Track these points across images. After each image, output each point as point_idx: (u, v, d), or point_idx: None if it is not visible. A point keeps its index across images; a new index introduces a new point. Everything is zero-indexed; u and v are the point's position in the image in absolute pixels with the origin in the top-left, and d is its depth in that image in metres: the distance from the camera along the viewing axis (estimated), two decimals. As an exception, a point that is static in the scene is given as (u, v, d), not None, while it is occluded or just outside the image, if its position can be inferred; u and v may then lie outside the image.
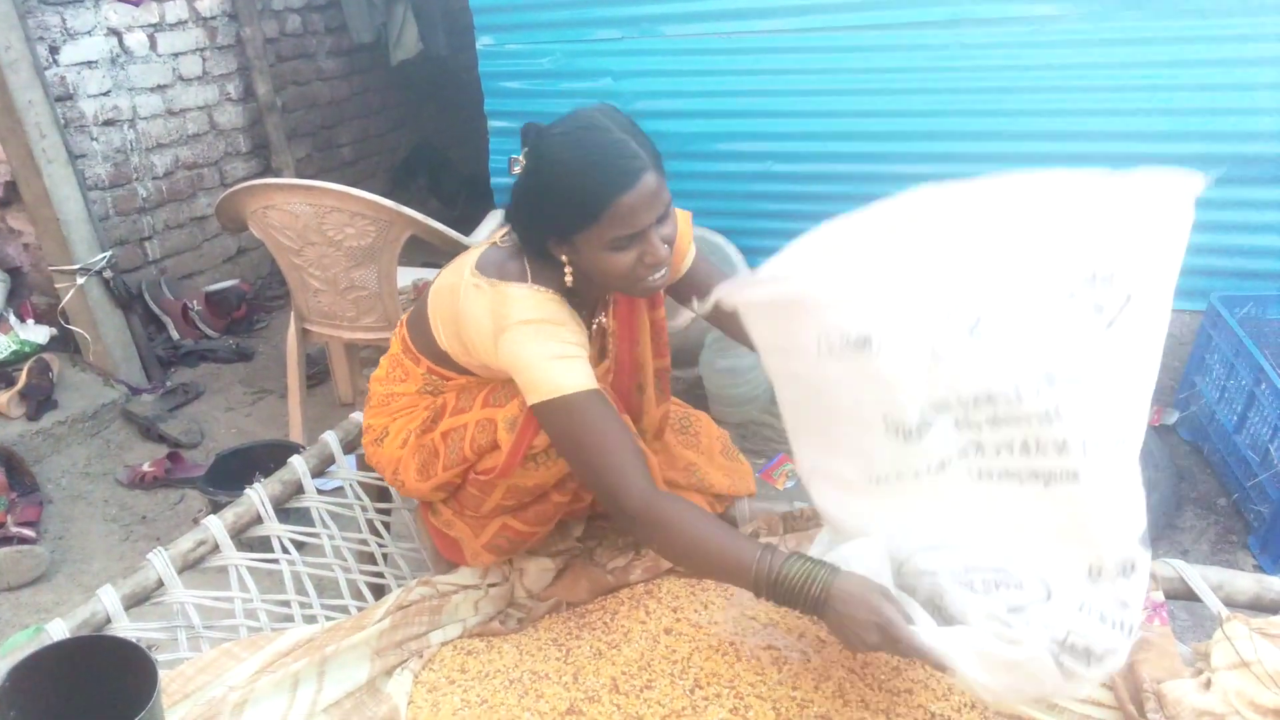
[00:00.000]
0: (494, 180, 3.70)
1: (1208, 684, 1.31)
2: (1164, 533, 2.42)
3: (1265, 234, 2.80)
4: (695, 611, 1.58)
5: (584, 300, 1.54)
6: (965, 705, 1.38)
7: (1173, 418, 2.81)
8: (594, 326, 1.59)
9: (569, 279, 1.46)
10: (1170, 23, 2.68)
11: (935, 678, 1.44)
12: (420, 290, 2.75)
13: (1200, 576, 1.48)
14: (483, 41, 3.50)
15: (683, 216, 1.63)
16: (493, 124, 3.65)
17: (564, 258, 1.45)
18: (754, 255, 3.44)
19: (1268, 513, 2.29)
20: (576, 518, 1.78)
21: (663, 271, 1.44)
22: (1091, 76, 2.81)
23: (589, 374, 1.42)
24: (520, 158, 1.44)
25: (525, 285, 1.44)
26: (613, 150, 1.34)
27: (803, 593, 1.24)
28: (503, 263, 1.47)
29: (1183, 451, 2.73)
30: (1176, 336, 3.00)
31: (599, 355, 1.63)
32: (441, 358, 1.58)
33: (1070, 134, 2.89)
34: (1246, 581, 1.48)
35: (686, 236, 1.66)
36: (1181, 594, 1.49)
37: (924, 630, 1.17)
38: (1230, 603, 1.46)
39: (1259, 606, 1.46)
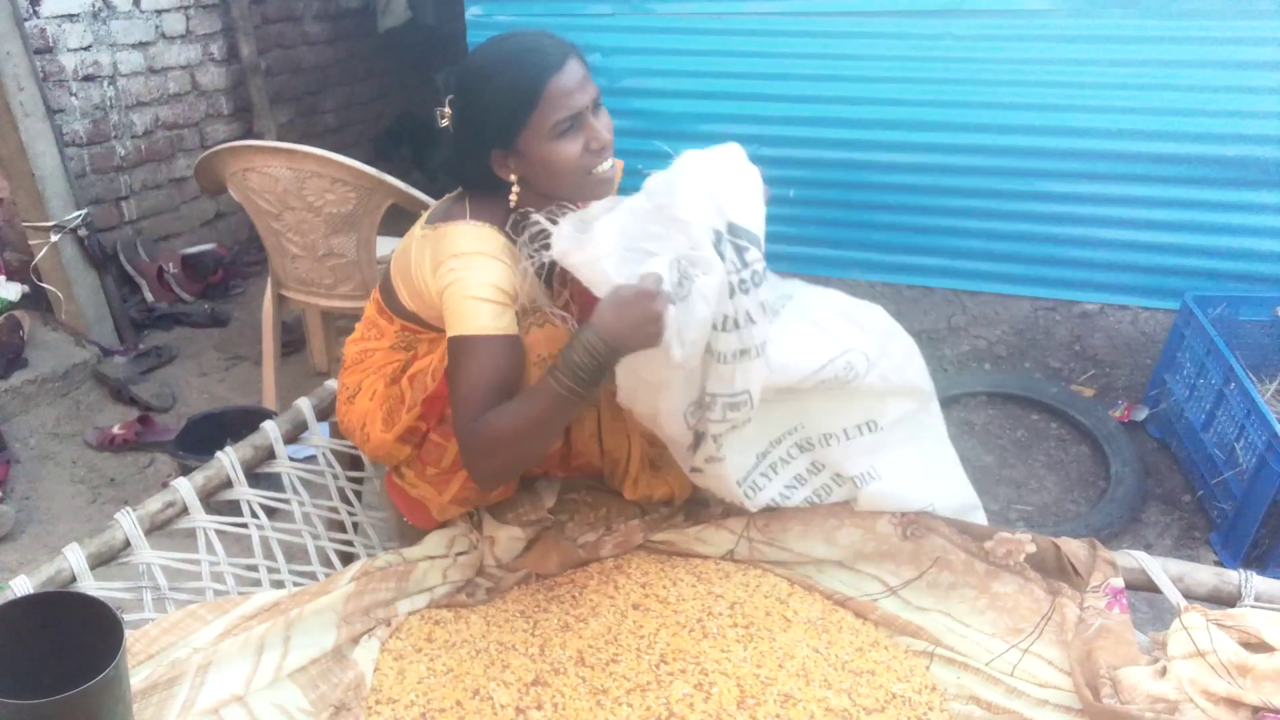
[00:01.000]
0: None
1: (1163, 671, 1.33)
2: (1129, 527, 2.46)
3: (1240, 236, 2.84)
4: (664, 588, 1.59)
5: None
6: (926, 687, 1.40)
7: (1142, 414, 2.84)
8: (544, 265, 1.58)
9: (514, 198, 1.49)
10: (1156, 22, 2.70)
11: (898, 659, 1.46)
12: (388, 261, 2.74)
13: (1161, 568, 1.50)
14: (472, 11, 3.47)
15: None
16: (479, 96, 3.62)
17: (512, 177, 1.48)
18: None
19: (1230, 510, 2.33)
20: (550, 462, 1.75)
21: (609, 162, 1.49)
22: (1077, 72, 2.83)
23: (502, 313, 1.43)
24: (446, 107, 1.48)
25: (464, 222, 1.48)
26: (534, 41, 1.42)
27: (585, 353, 1.30)
28: (447, 208, 1.54)
29: (1150, 448, 2.77)
30: (1150, 335, 3.04)
31: (555, 284, 1.62)
32: (411, 315, 1.61)
33: (1055, 129, 2.92)
34: (1205, 574, 1.50)
35: None
36: (1142, 585, 1.51)
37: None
38: (1189, 595, 1.49)
39: (1217, 599, 1.49)
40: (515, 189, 1.49)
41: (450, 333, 1.44)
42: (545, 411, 1.36)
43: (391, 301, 1.64)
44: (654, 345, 1.31)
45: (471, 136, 1.47)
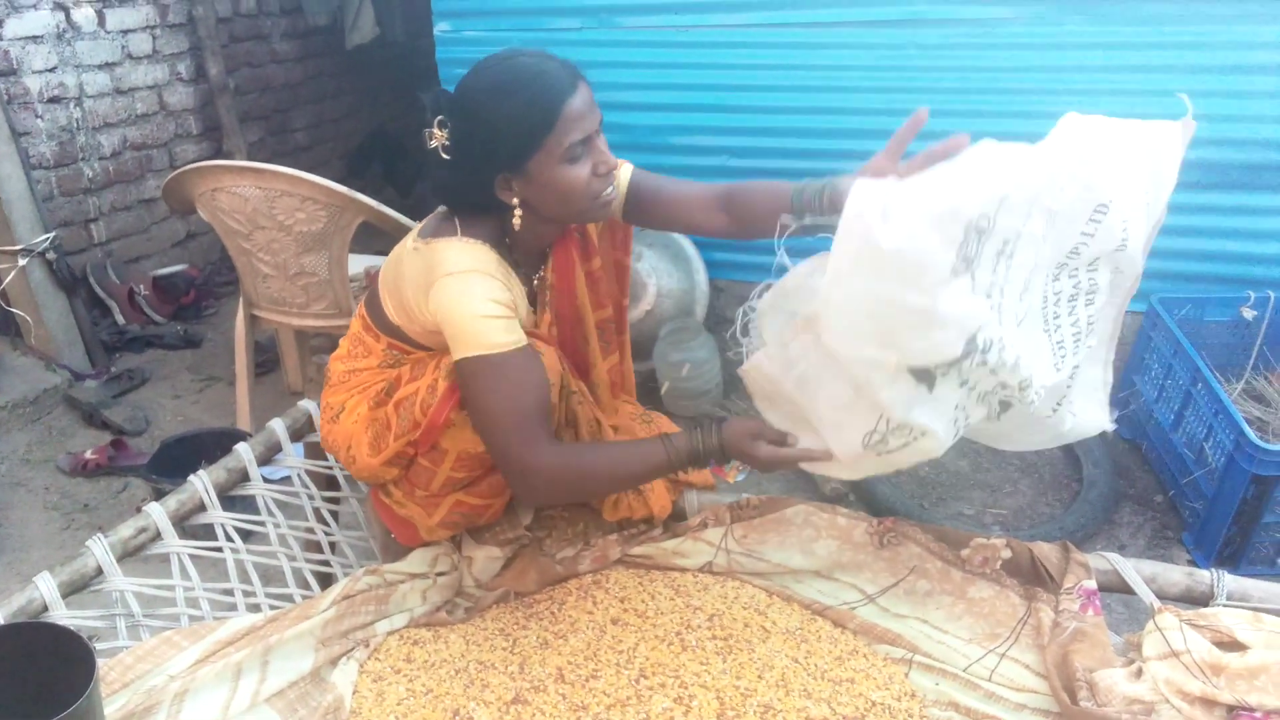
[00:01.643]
0: (450, 168, 3.67)
1: (1138, 673, 1.35)
2: (1102, 528, 2.48)
3: (1204, 238, 2.88)
4: (642, 602, 1.59)
5: (525, 252, 1.56)
6: (905, 694, 1.41)
7: (1112, 416, 2.87)
8: (535, 281, 1.59)
9: (517, 222, 1.47)
10: (1111, 28, 2.74)
11: (876, 667, 1.47)
12: (372, 278, 2.73)
13: (1134, 569, 1.52)
14: (440, 28, 3.47)
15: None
16: (450, 112, 3.62)
17: (514, 200, 1.45)
18: (709, 249, 3.46)
19: (1201, 509, 2.36)
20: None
21: (611, 187, 1.48)
22: (1040, 79, 2.87)
23: (512, 327, 1.42)
24: (435, 128, 1.41)
25: (455, 239, 1.46)
26: (541, 63, 1.38)
27: (704, 450, 1.44)
28: (437, 224, 1.50)
29: (1121, 449, 2.80)
30: (1118, 337, 3.07)
31: (540, 310, 1.63)
32: (396, 331, 1.59)
33: (1021, 136, 2.94)
34: (1178, 575, 1.52)
35: (623, 173, 1.71)
36: (1116, 586, 1.53)
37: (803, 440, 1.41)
38: (1162, 595, 1.51)
39: (1189, 599, 1.51)
40: (518, 213, 1.46)
41: (460, 355, 1.40)
42: (644, 472, 1.48)
43: (378, 318, 1.61)
44: (764, 469, 1.46)
45: (476, 160, 1.42)
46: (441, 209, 1.56)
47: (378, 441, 1.58)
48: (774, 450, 1.41)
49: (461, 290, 1.40)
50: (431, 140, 1.42)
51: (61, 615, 1.48)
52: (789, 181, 1.59)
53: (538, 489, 1.47)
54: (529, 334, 1.51)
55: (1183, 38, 2.69)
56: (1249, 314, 2.64)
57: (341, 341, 1.72)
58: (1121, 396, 2.87)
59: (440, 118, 1.41)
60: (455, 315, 1.41)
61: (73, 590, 1.54)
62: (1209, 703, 1.28)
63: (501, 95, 1.36)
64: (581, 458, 1.49)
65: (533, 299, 1.62)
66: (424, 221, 1.56)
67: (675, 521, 1.80)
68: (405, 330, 1.57)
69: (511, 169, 1.42)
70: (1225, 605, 1.46)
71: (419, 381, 1.53)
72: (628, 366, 1.85)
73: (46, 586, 1.49)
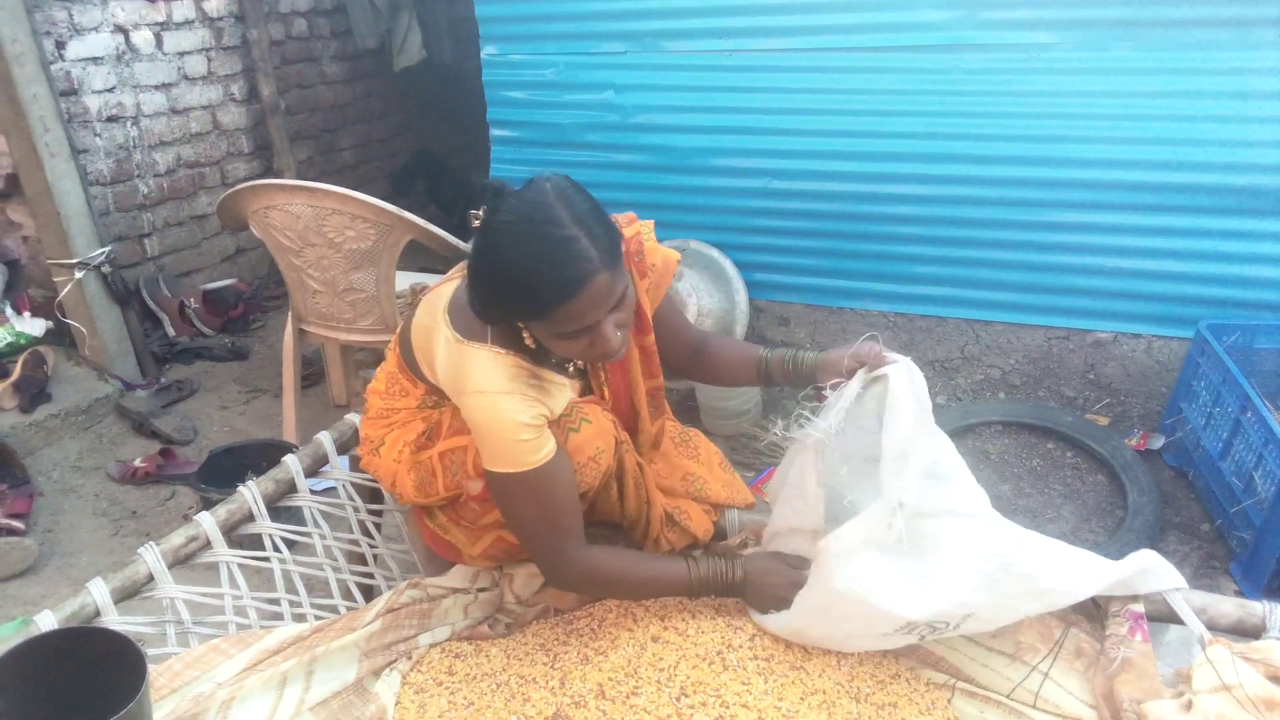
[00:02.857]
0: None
1: (1188, 705, 1.32)
2: (1149, 557, 2.44)
3: (1254, 264, 2.84)
4: (683, 620, 1.59)
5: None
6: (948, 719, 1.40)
7: (1159, 443, 2.83)
8: (570, 367, 1.58)
9: (530, 343, 1.45)
10: (1162, 54, 2.72)
11: (919, 692, 1.45)
12: (418, 295, 2.77)
13: (1183, 600, 1.49)
14: (487, 51, 3.53)
15: (665, 263, 1.67)
16: (495, 133, 3.67)
17: (521, 324, 1.44)
18: (749, 270, 3.47)
19: (1250, 539, 2.31)
20: None
21: (620, 351, 1.43)
22: (1086, 104, 2.85)
23: (541, 445, 1.43)
24: (479, 215, 1.37)
25: (485, 349, 1.43)
26: (559, 252, 1.29)
27: (727, 580, 1.56)
28: (469, 322, 1.45)
29: (1167, 477, 2.76)
30: (1164, 364, 3.03)
31: (585, 387, 1.65)
32: (434, 386, 1.59)
33: (1066, 160, 2.93)
34: (1229, 606, 1.49)
35: (663, 286, 1.69)
36: (1165, 616, 1.50)
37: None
38: (1213, 626, 1.48)
39: (1241, 631, 1.47)
40: (528, 336, 1.44)
41: (489, 467, 1.44)
42: (663, 586, 1.58)
43: (415, 368, 1.60)
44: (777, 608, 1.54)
45: (483, 299, 1.40)
46: None
47: (424, 486, 1.62)
48: (797, 573, 1.52)
49: (490, 411, 1.40)
50: (474, 221, 1.38)
51: (113, 620, 1.52)
52: (758, 349, 1.73)
53: (567, 585, 1.62)
54: (584, 401, 1.55)
55: (1234, 63, 2.66)
56: (1301, 342, 2.59)
57: (378, 373, 1.72)
58: (1168, 424, 2.83)
59: (481, 220, 1.36)
60: (484, 434, 1.42)
61: (124, 596, 1.57)
62: (1261, 737, 1.26)
63: (516, 254, 1.30)
64: (609, 566, 1.57)
65: (579, 371, 1.62)
66: (456, 288, 1.51)
67: (716, 540, 1.80)
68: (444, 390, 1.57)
69: (515, 319, 1.42)
70: (1278, 638, 1.43)
71: (466, 437, 1.54)
72: (663, 424, 1.85)
73: (99, 592, 1.53)
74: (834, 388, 1.56)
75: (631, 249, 1.59)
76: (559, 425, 1.49)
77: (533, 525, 1.49)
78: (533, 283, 1.30)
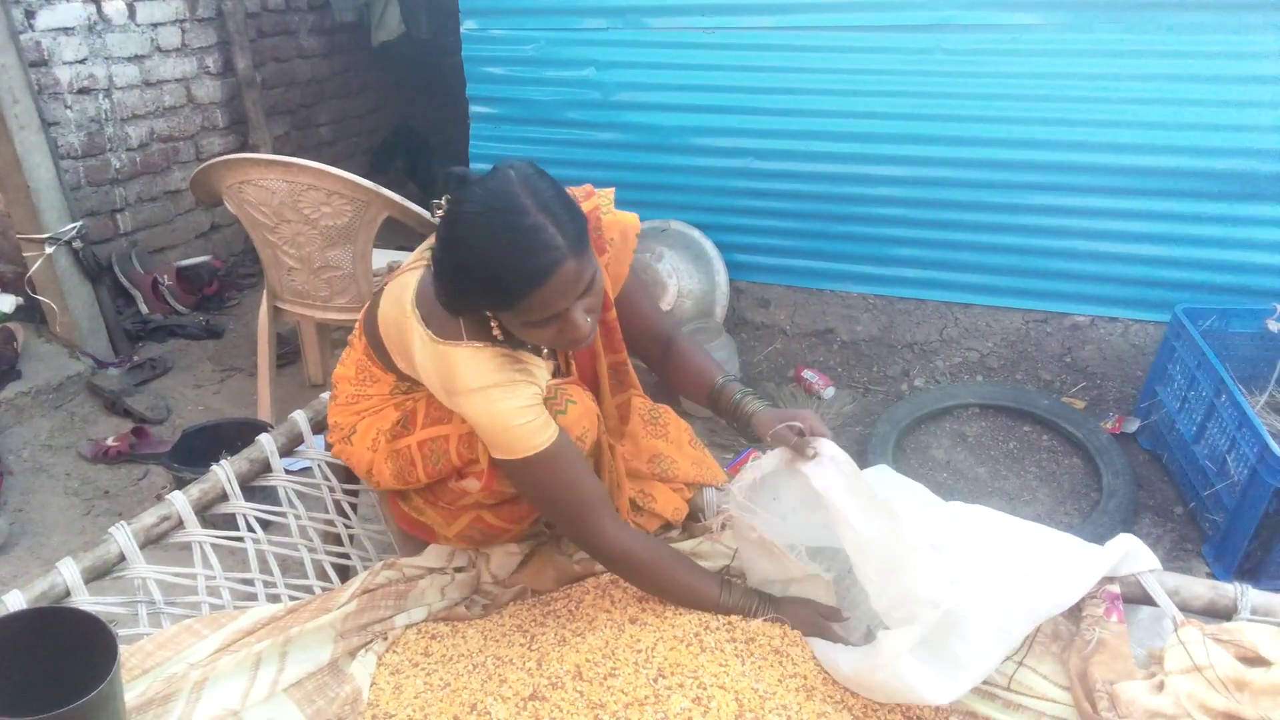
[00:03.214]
0: (474, 165, 3.68)
1: (1160, 686, 1.34)
2: (1122, 539, 2.46)
3: (1231, 249, 2.86)
4: (660, 603, 1.59)
5: None
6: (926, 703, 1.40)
7: (1133, 426, 2.86)
8: (544, 349, 1.57)
9: (498, 333, 1.44)
10: (1145, 37, 2.73)
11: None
12: (394, 274, 2.74)
13: (1157, 581, 1.51)
14: (466, 25, 3.48)
15: (623, 233, 1.64)
16: (474, 109, 3.64)
17: (494, 323, 1.43)
18: (730, 251, 3.46)
19: (1222, 522, 2.34)
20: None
21: (587, 338, 1.42)
22: (1068, 86, 2.85)
23: (544, 424, 1.43)
24: (442, 204, 1.35)
25: (465, 347, 1.42)
26: (525, 240, 1.27)
27: (758, 612, 1.55)
28: (443, 322, 1.43)
29: (1142, 460, 2.78)
30: (1140, 347, 3.06)
31: (555, 366, 1.64)
32: (406, 376, 1.58)
33: (1046, 142, 2.93)
34: (1201, 588, 1.51)
35: (624, 258, 1.66)
36: (1139, 598, 1.51)
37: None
38: (1185, 608, 1.49)
39: (1212, 612, 1.49)
40: (496, 326, 1.43)
41: (502, 455, 1.44)
42: (690, 597, 1.56)
43: (384, 358, 1.58)
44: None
45: (450, 291, 1.39)
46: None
47: (403, 475, 1.61)
48: (828, 626, 1.54)
49: (486, 405, 1.40)
50: (438, 211, 1.37)
51: (84, 601, 1.49)
52: (716, 374, 1.73)
53: (608, 564, 1.58)
54: (565, 382, 1.55)
55: (1216, 46, 2.67)
56: (1274, 326, 2.61)
57: (345, 357, 1.69)
58: (1143, 407, 2.85)
59: (444, 211, 1.35)
60: (488, 428, 1.43)
61: (95, 576, 1.55)
62: (1232, 718, 1.27)
63: (482, 244, 1.29)
64: (646, 556, 1.54)
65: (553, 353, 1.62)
66: (420, 282, 1.48)
67: (693, 521, 1.80)
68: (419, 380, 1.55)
69: (483, 309, 1.40)
70: (1249, 619, 1.44)
71: (447, 426, 1.54)
72: (627, 400, 1.84)
73: (69, 572, 1.50)
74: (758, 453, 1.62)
75: (589, 226, 1.57)
76: (547, 409, 1.48)
77: (562, 506, 1.49)
78: (500, 273, 1.29)
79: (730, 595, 1.55)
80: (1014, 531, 1.57)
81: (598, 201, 1.63)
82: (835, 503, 1.44)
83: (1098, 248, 3.02)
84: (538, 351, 1.53)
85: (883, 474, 1.84)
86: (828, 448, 1.50)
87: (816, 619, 1.54)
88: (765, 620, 1.53)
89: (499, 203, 1.29)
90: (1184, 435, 2.60)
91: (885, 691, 1.37)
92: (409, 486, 1.64)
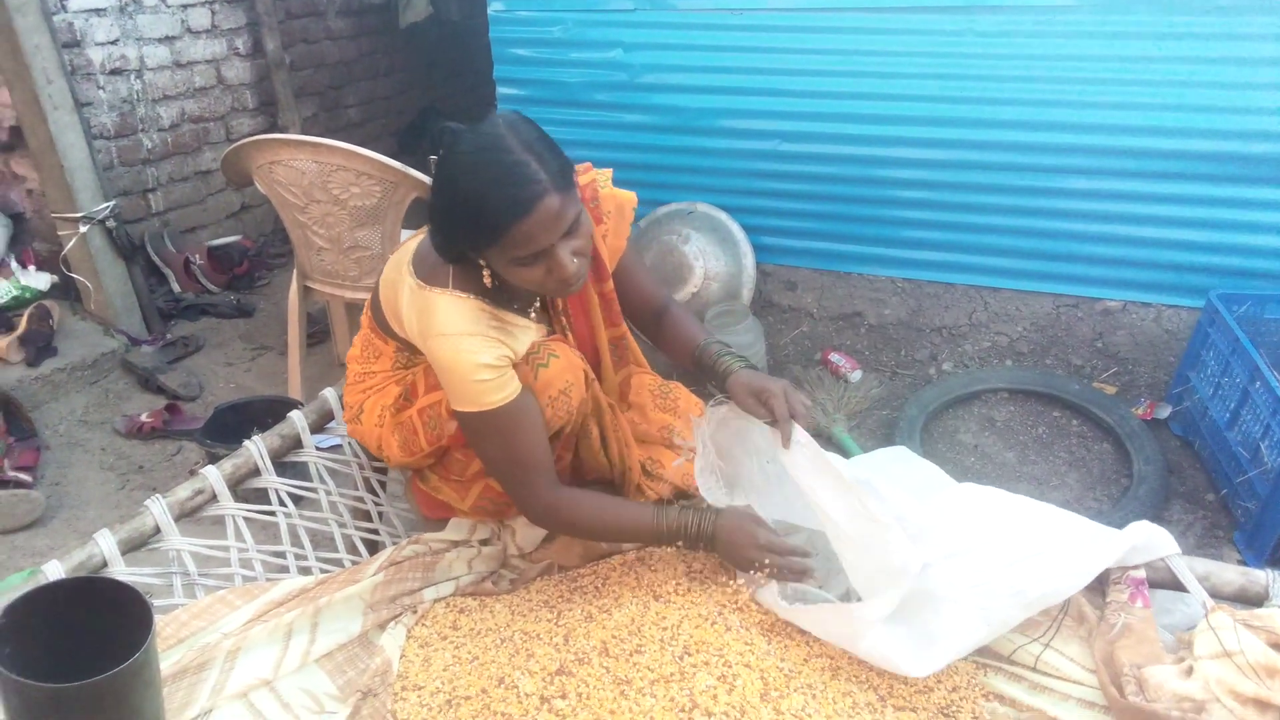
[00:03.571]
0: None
1: (1189, 671, 1.33)
2: (1152, 525, 2.44)
3: (1265, 234, 2.81)
4: (687, 579, 1.59)
5: (516, 291, 1.55)
6: (954, 685, 1.40)
7: (1165, 412, 2.82)
8: (532, 313, 1.60)
9: (488, 280, 1.48)
10: (1180, 18, 2.68)
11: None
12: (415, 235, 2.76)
13: (1187, 566, 1.50)
14: (494, 7, 3.48)
15: (619, 207, 1.66)
16: (502, 91, 3.63)
17: (483, 265, 1.47)
18: (757, 234, 3.45)
19: (1255, 509, 2.31)
20: (561, 478, 1.79)
21: (576, 281, 1.44)
22: (1101, 68, 2.81)
23: (504, 384, 1.46)
24: (439, 155, 1.43)
25: (447, 293, 1.47)
26: (509, 174, 1.33)
27: (694, 533, 1.54)
28: (432, 265, 1.50)
29: (1173, 446, 2.75)
30: (1173, 333, 3.02)
31: (549, 328, 1.66)
32: (403, 341, 1.61)
33: (1078, 125, 2.89)
34: (1232, 574, 1.49)
35: (621, 231, 1.69)
36: (1168, 583, 1.50)
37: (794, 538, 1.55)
38: (1216, 594, 1.48)
39: (1243, 599, 1.48)
40: (487, 274, 1.47)
41: (456, 407, 1.48)
42: (629, 532, 1.58)
43: (383, 324, 1.63)
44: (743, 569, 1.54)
45: (446, 227, 1.44)
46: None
47: (408, 445, 1.65)
48: (770, 539, 1.51)
49: (453, 353, 1.44)
50: (434, 166, 1.44)
51: (120, 571, 1.52)
52: (700, 336, 1.74)
53: (538, 521, 1.63)
54: (551, 339, 1.57)
55: (1256, 29, 2.62)
56: (1311, 312, 2.58)
57: (355, 339, 1.75)
58: (1175, 393, 2.82)
59: (437, 160, 1.42)
60: (448, 376, 1.46)
61: (131, 548, 1.58)
62: (1262, 704, 1.26)
63: (470, 180, 1.35)
64: (575, 506, 1.58)
65: (544, 304, 1.65)
66: (419, 244, 1.55)
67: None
68: (412, 343, 1.59)
69: (473, 249, 1.44)
70: (1280, 606, 1.43)
71: (439, 393, 1.58)
72: (629, 374, 1.87)
73: (106, 543, 1.53)
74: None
75: (586, 196, 1.61)
76: (527, 363, 1.51)
77: (500, 463, 1.53)
78: (484, 205, 1.34)
79: (665, 517, 1.54)
80: (1023, 515, 1.56)
81: (594, 176, 1.68)
82: (804, 483, 1.47)
83: (1130, 232, 2.98)
84: (524, 314, 1.56)
85: (899, 454, 1.84)
86: (798, 434, 1.52)
87: (752, 527, 1.51)
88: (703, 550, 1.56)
89: (486, 143, 1.36)
90: (1217, 422, 2.57)
91: (866, 655, 1.39)
92: (414, 457, 1.66)
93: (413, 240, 1.59)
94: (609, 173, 1.71)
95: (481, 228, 1.36)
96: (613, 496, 1.67)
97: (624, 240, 1.71)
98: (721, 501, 1.59)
